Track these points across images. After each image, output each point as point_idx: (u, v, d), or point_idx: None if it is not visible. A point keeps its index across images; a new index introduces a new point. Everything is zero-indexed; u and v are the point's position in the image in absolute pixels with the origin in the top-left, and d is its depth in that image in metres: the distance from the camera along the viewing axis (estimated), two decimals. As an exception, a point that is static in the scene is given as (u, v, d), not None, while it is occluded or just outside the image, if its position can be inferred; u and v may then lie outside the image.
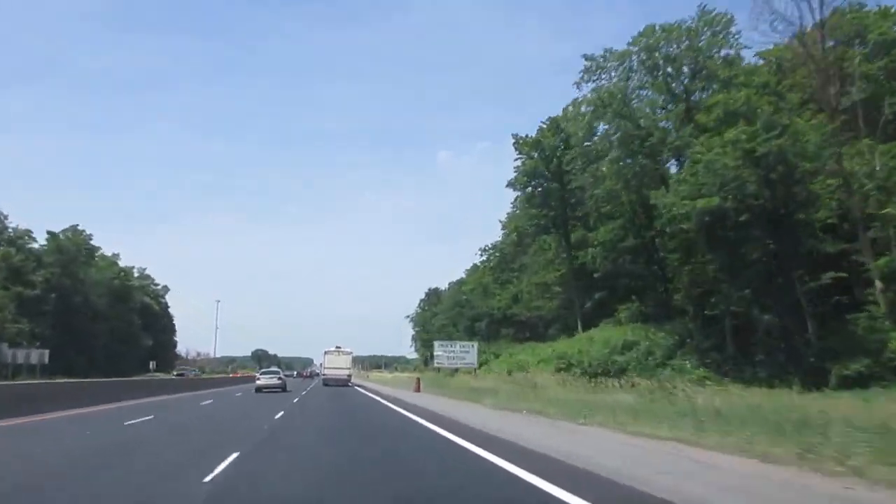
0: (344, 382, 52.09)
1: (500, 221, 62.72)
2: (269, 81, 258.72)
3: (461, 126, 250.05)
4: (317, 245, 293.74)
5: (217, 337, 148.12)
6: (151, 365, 73.59)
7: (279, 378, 42.44)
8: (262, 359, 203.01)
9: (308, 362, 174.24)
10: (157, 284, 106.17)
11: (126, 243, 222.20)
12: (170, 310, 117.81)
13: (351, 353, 58.00)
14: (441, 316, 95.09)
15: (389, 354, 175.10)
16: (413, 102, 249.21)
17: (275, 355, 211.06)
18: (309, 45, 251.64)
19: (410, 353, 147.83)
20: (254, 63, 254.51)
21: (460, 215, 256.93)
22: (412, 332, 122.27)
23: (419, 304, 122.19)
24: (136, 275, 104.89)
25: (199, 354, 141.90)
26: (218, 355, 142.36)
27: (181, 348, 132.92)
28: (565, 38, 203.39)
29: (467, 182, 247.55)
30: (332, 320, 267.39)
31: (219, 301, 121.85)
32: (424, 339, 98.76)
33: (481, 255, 67.67)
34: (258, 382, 41.57)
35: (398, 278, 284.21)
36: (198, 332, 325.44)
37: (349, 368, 55.86)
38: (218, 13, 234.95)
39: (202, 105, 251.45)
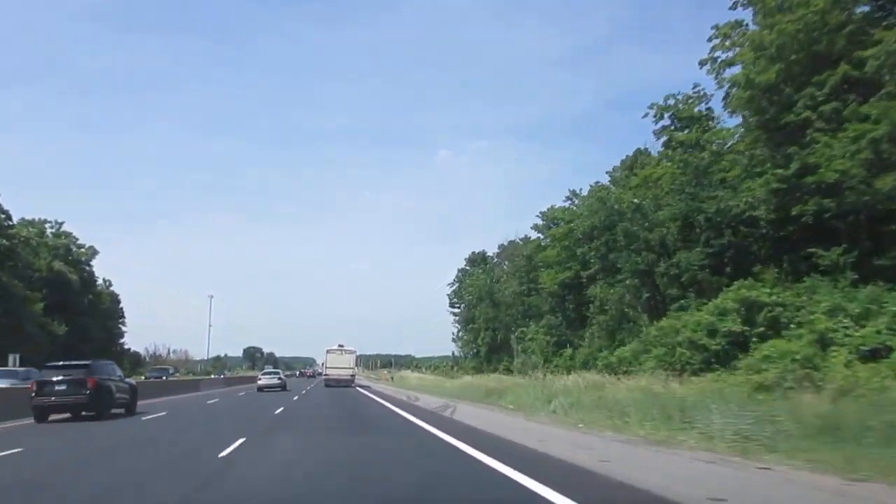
0: (347, 383, 49.47)
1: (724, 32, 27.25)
2: (269, 81, 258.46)
3: (460, 124, 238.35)
4: (317, 245, 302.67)
5: (210, 335, 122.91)
6: (13, 360, 39.51)
7: (279, 378, 46.99)
8: (255, 357, 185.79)
9: (309, 362, 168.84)
10: (79, 245, 71.58)
11: (126, 243, 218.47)
12: (112, 288, 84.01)
13: (354, 351, 54.94)
14: (516, 277, 59.92)
15: (394, 353, 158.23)
16: (412, 101, 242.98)
17: (271, 353, 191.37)
18: (308, 44, 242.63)
19: (435, 350, 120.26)
20: (253, 62, 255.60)
21: (460, 214, 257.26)
22: (454, 315, 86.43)
23: (458, 277, 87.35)
24: (49, 232, 70.74)
25: (170, 352, 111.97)
26: (213, 354, 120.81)
27: (149, 344, 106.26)
28: (564, 35, 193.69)
29: (467, 181, 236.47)
30: (333, 320, 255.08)
31: (212, 296, 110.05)
32: (487, 318, 63.58)
33: (655, 119, 31.70)
34: (260, 382, 45.85)
35: (398, 278, 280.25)
36: (198, 333, 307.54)
37: (352, 368, 53.66)
38: (216, 12, 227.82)
39: (202, 105, 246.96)
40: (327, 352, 53.42)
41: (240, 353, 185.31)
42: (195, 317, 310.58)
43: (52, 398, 18.33)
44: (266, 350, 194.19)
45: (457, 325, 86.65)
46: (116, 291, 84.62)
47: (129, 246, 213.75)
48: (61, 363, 20.59)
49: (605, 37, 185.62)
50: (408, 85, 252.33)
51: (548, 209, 57.66)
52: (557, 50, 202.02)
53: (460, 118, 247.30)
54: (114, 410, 20.05)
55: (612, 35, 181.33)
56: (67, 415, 19.22)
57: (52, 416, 18.77)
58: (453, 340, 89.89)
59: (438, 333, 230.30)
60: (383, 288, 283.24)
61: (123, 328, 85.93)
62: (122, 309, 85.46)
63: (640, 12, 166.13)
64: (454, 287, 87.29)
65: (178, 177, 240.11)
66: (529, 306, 56.92)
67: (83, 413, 19.03)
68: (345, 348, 52.88)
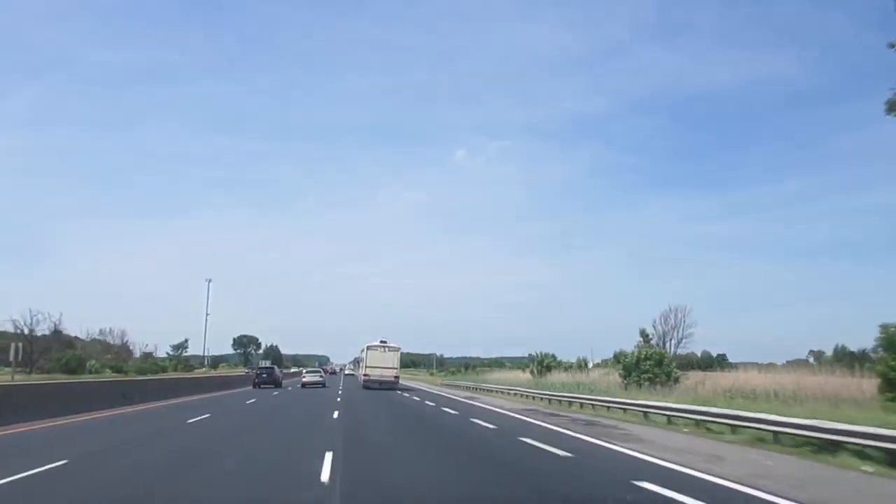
0: (390, 385, 46.20)
1: None
2: (286, 75, 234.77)
3: (479, 122, 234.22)
4: (327, 244, 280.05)
5: (207, 325, 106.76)
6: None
7: (320, 376, 57.67)
8: (248, 352, 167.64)
9: (323, 360, 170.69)
10: None
11: (131, 241, 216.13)
12: None
13: (399, 349, 49.95)
14: None
15: (415, 352, 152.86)
16: (429, 96, 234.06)
17: (274, 346, 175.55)
18: (320, 38, 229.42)
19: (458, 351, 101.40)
20: (265, 58, 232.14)
21: (476, 212, 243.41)
22: None
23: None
24: None
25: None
26: (210, 352, 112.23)
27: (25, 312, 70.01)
28: (581, 30, 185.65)
29: (484, 177, 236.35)
30: (342, 319, 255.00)
31: (210, 280, 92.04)
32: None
33: None
34: (304, 379, 55.45)
35: (406, 278, 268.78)
36: (182, 327, 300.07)
37: (396, 368, 48.38)
38: (227, 5, 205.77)
39: (214, 100, 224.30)
40: (368, 348, 48.50)
41: (228, 349, 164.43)
42: (185, 311, 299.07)
43: (259, 379, 51.17)
44: (253, 337, 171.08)
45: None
46: None
47: (135, 242, 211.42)
48: (263, 365, 65.69)
49: (626, 38, 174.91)
50: (423, 80, 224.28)
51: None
52: (572, 45, 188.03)
53: (478, 114, 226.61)
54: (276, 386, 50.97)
55: (634, 36, 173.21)
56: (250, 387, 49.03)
57: (259, 387, 48.43)
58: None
59: (471, 331, 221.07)
60: (391, 288, 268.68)
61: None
62: None
63: (663, 13, 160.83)
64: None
65: (188, 172, 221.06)
66: None
67: (266, 385, 49.65)
68: (388, 345, 48.21)
